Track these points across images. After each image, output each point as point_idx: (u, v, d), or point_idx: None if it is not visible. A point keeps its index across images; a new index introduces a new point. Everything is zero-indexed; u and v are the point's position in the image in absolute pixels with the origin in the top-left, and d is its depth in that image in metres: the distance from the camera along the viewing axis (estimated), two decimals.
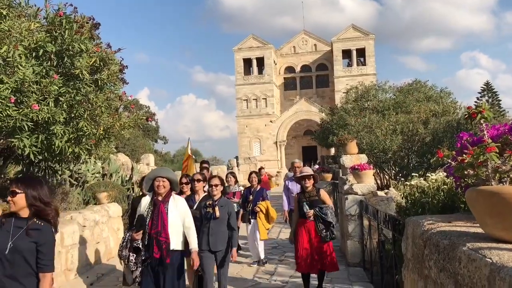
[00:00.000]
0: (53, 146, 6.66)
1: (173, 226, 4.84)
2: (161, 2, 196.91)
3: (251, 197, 8.93)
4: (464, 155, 2.24)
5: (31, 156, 6.41)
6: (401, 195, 5.21)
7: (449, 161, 2.38)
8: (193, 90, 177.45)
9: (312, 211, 6.19)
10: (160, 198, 4.87)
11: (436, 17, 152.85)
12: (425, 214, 4.14)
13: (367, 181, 8.43)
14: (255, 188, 9.00)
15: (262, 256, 8.74)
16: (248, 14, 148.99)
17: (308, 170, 6.76)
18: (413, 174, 5.03)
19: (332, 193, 15.96)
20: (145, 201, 5.03)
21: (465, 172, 2.16)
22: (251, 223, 8.83)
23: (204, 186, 6.69)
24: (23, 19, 6.65)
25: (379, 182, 17.09)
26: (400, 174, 16.84)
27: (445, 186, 4.26)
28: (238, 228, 7.68)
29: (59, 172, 10.90)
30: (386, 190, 11.05)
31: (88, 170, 15.34)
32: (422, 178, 4.80)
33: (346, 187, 8.59)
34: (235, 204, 8.44)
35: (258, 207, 8.68)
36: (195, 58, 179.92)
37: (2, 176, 9.52)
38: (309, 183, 6.42)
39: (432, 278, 2.51)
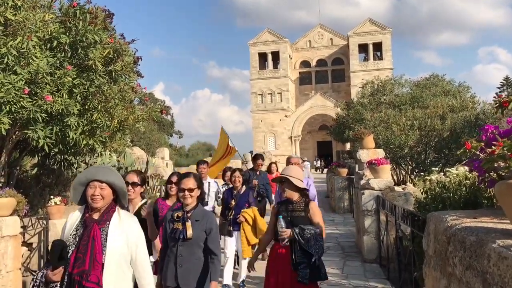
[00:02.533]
0: (67, 138, 6.64)
1: (113, 263, 2.89)
2: None
3: (233, 202, 6.83)
4: (493, 146, 2.11)
5: (46, 147, 6.39)
6: (420, 190, 5.05)
7: (477, 153, 2.24)
8: (208, 85, 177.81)
9: (288, 231, 4.10)
10: (95, 216, 2.97)
11: (453, 11, 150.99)
12: (446, 209, 4.00)
13: (384, 176, 8.26)
14: (239, 190, 6.89)
15: (243, 276, 6.78)
16: (263, 8, 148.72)
17: (295, 172, 4.43)
18: (432, 168, 4.86)
19: (348, 188, 15.81)
20: (73, 219, 3.06)
21: (495, 165, 2.02)
22: (233, 236, 6.83)
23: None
24: (37, 10, 6.64)
25: (395, 178, 16.87)
26: (417, 170, 16.59)
27: (467, 181, 4.11)
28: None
29: (75, 165, 10.94)
30: (403, 186, 10.87)
31: (103, 163, 15.43)
32: (442, 173, 4.64)
33: (362, 182, 8.44)
34: None
35: (243, 215, 6.64)
36: (209, 53, 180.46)
37: (19, 168, 9.56)
38: (291, 194, 4.30)
39: (457, 276, 2.38)
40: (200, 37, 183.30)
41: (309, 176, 10.10)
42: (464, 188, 4.14)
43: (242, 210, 6.67)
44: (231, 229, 6.73)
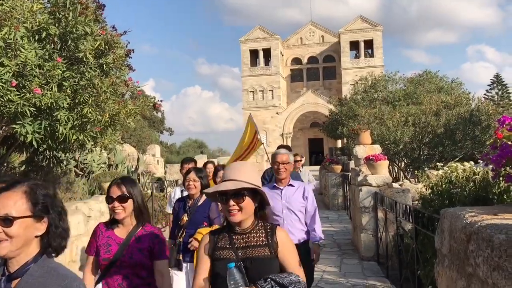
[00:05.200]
0: (56, 133, 6.39)
1: None
2: None
3: (185, 218, 4.65)
4: None
5: (34, 143, 6.14)
6: (424, 185, 4.90)
7: (510, 143, 2.07)
8: (199, 82, 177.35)
9: None
10: None
11: (442, 10, 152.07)
12: (454, 206, 3.84)
13: (382, 172, 8.13)
14: (196, 200, 4.72)
15: None
16: (253, 6, 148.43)
17: (243, 173, 2.37)
18: (437, 164, 4.69)
19: (342, 185, 15.68)
20: None
21: None
22: (183, 269, 4.64)
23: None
24: (25, 0, 6.37)
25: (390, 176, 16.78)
26: (411, 167, 16.52)
27: (477, 176, 3.96)
28: None
29: (64, 162, 10.67)
30: (400, 182, 10.74)
31: (94, 160, 15.18)
32: (446, 167, 4.48)
33: (360, 178, 8.29)
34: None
35: (195, 238, 4.38)
36: (199, 50, 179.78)
37: (5, 165, 9.29)
38: (238, 216, 2.34)
39: (480, 278, 2.21)
40: (190, 34, 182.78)
41: (309, 180, 8.14)
42: (472, 184, 3.98)
43: (197, 231, 4.42)
44: (181, 258, 4.57)
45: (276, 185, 4.43)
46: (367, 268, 7.47)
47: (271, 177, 6.18)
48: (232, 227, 2.40)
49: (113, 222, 3.11)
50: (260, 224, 2.42)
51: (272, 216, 4.24)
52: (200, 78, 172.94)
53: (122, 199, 2.96)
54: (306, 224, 4.41)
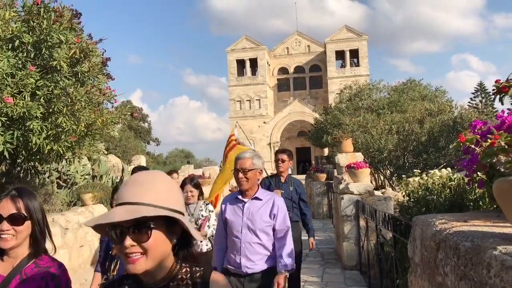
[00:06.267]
0: (30, 143, 6.24)
1: None
2: (149, 2, 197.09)
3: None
4: (488, 140, 1.87)
5: (6, 153, 5.98)
6: (402, 193, 4.84)
7: (472, 146, 2.01)
8: (186, 92, 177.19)
9: None
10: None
11: (425, 20, 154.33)
12: (430, 212, 3.78)
13: (364, 180, 8.08)
14: None
15: None
16: (239, 16, 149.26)
17: (153, 192, 1.37)
18: (414, 170, 4.63)
19: (327, 194, 15.63)
20: None
21: (494, 160, 1.78)
22: None
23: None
24: None
25: (374, 183, 16.77)
26: (395, 175, 16.53)
27: (452, 183, 3.90)
28: None
29: (43, 173, 10.46)
30: (382, 190, 10.71)
31: (77, 171, 14.94)
32: (424, 174, 4.44)
33: (341, 186, 8.22)
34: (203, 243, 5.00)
35: None
36: (185, 61, 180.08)
37: None
38: (141, 263, 1.33)
39: (448, 287, 2.13)
40: (177, 44, 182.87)
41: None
42: (448, 190, 3.93)
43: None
44: None
45: (239, 197, 3.62)
46: (349, 277, 7.38)
47: (268, 187, 5.33)
48: (137, 277, 1.42)
49: None
50: (184, 270, 1.46)
51: (232, 237, 3.57)
52: (187, 88, 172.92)
53: (15, 219, 2.00)
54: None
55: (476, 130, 2.69)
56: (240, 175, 3.48)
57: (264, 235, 3.50)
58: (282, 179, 5.65)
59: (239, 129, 7.21)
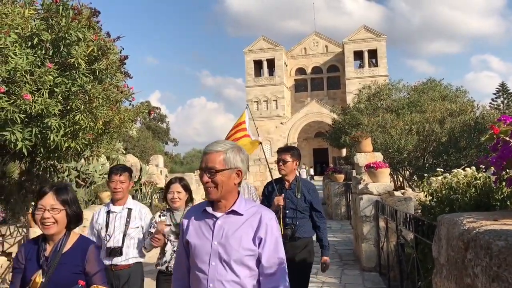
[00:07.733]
0: (48, 141, 6.25)
1: None
2: (167, 3, 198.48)
3: (38, 278, 2.54)
4: None
5: (24, 150, 6.00)
6: (424, 193, 4.70)
7: (507, 138, 1.90)
8: (204, 93, 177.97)
9: None
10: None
11: (444, 21, 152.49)
12: (455, 212, 3.65)
13: (383, 180, 7.92)
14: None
15: None
16: (255, 18, 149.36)
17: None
18: (437, 169, 4.46)
19: (345, 194, 15.46)
20: None
21: None
22: None
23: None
24: (17, 6, 6.27)
25: (392, 184, 16.54)
26: (415, 175, 16.28)
27: (478, 181, 3.76)
28: None
29: (62, 171, 10.53)
30: (402, 191, 10.51)
31: (95, 170, 15.06)
32: (447, 174, 4.30)
33: (360, 186, 8.08)
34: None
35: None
36: (202, 62, 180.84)
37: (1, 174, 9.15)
38: None
39: None
40: (193, 46, 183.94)
41: (253, 198, 6.67)
42: (473, 189, 3.79)
43: None
44: None
45: (208, 209, 2.32)
46: (368, 279, 7.25)
47: (270, 194, 4.65)
48: None
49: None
50: None
51: (195, 270, 2.27)
52: (204, 89, 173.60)
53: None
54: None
55: (507, 124, 2.56)
56: (205, 177, 2.23)
57: (244, 270, 2.21)
58: (287, 184, 4.61)
59: (249, 111, 6.96)
